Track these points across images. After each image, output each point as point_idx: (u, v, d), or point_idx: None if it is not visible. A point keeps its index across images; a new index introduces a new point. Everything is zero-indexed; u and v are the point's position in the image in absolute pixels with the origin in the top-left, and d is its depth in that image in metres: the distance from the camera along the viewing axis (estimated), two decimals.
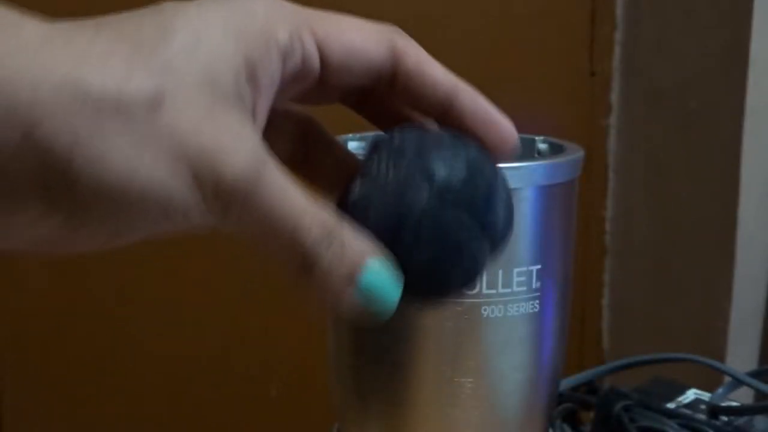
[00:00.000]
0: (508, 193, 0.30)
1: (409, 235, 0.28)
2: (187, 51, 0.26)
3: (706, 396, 0.61)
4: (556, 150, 0.47)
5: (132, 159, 0.25)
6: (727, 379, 0.62)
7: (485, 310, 0.42)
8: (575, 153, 0.45)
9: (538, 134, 0.49)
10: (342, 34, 0.29)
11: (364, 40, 0.29)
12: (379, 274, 0.27)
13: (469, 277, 0.30)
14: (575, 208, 0.45)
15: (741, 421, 0.56)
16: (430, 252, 0.28)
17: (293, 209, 0.26)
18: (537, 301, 0.43)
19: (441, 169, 0.28)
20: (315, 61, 0.29)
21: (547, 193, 0.42)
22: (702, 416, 0.57)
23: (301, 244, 0.26)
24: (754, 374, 0.63)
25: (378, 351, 0.44)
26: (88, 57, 0.25)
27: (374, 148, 0.30)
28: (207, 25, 0.27)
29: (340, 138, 0.42)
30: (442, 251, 0.28)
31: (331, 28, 0.29)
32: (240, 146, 0.26)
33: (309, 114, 0.33)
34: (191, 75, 0.26)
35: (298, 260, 0.27)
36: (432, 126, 0.32)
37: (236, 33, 0.27)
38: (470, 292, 0.41)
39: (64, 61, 0.24)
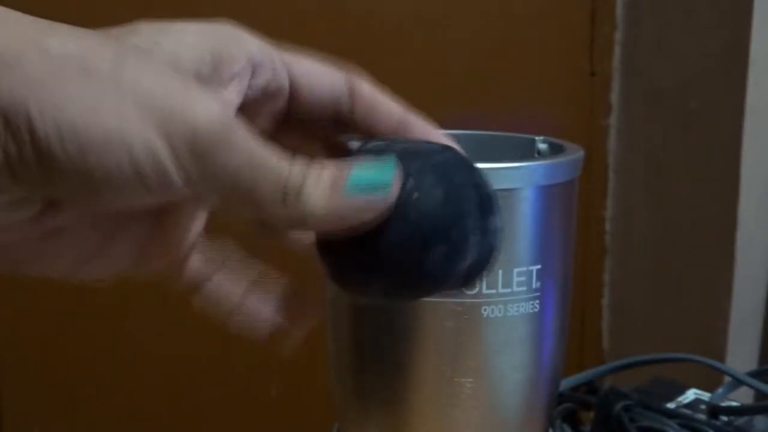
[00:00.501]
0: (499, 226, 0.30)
1: (417, 178, 0.28)
2: (151, 40, 0.27)
3: (706, 396, 0.61)
4: (556, 150, 0.47)
5: (93, 106, 0.24)
6: (727, 379, 0.62)
7: (485, 310, 0.42)
8: (575, 153, 0.45)
9: (538, 134, 0.49)
10: (306, 61, 0.32)
11: (325, 69, 0.32)
12: (364, 168, 0.27)
13: (449, 260, 0.28)
14: (575, 208, 0.45)
15: (741, 421, 0.56)
16: (429, 200, 0.28)
17: (267, 150, 0.26)
18: (537, 301, 0.43)
19: (460, 150, 0.30)
20: (284, 79, 0.31)
21: (547, 193, 0.42)
22: (702, 416, 0.57)
23: (283, 176, 0.26)
24: (754, 374, 0.63)
25: (378, 351, 0.44)
26: (51, 30, 0.25)
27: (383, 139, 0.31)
28: (173, 26, 0.28)
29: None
30: (440, 208, 0.28)
31: (295, 56, 0.31)
32: (208, 99, 0.26)
33: None
34: (155, 55, 0.27)
35: (287, 193, 0.26)
36: None
37: (203, 31, 0.28)
38: (468, 292, 0.41)
39: (26, 30, 0.25)
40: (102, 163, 0.25)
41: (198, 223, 0.32)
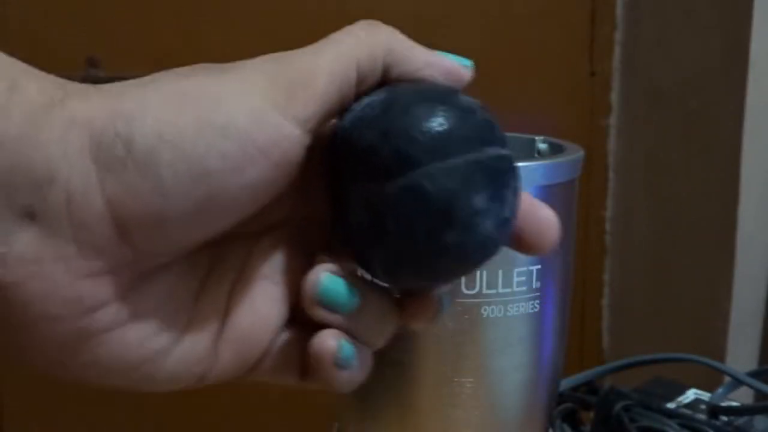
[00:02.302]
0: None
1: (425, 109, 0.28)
2: None
3: (706, 396, 0.61)
4: (556, 150, 0.47)
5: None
6: (727, 379, 0.62)
7: (485, 310, 0.42)
8: (575, 153, 0.45)
9: (538, 134, 0.49)
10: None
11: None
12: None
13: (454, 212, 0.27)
14: (575, 208, 0.45)
15: (741, 421, 0.56)
16: (438, 125, 0.28)
17: None
18: (537, 301, 0.43)
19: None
20: None
21: (547, 193, 0.42)
22: (702, 416, 0.57)
23: None
24: (754, 374, 0.63)
25: (378, 351, 0.44)
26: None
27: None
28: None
29: None
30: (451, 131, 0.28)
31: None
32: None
33: None
34: None
35: None
36: None
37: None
38: (469, 292, 0.41)
39: None
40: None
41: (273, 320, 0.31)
